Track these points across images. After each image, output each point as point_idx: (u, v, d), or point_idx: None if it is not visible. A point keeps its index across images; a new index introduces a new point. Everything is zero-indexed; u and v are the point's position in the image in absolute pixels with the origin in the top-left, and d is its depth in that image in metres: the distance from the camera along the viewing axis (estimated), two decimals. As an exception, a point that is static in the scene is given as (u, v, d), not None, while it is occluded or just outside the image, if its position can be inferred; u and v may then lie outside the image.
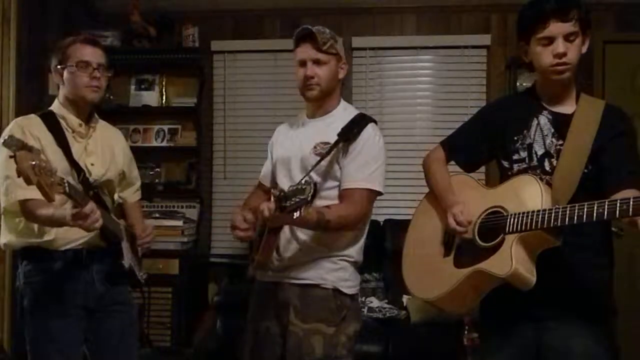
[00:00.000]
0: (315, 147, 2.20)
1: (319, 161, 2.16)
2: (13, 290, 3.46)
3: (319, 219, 2.05)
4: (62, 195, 1.85)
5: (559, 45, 1.85)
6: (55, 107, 2.32)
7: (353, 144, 2.18)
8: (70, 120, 2.28)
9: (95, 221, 1.94)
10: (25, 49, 3.83)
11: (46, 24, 4.14)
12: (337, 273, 2.22)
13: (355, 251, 2.26)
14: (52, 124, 2.24)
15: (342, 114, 2.28)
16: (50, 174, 1.74)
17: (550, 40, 1.86)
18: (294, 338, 2.17)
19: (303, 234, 2.19)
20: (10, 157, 1.72)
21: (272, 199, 1.97)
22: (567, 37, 1.85)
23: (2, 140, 1.79)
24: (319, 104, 2.28)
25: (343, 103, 2.34)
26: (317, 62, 2.21)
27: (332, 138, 2.18)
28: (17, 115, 3.58)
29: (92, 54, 2.26)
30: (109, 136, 2.43)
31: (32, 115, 2.28)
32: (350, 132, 2.18)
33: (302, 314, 2.17)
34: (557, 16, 1.84)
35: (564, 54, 1.85)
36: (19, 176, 1.71)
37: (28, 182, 1.71)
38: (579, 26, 1.86)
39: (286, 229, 2.19)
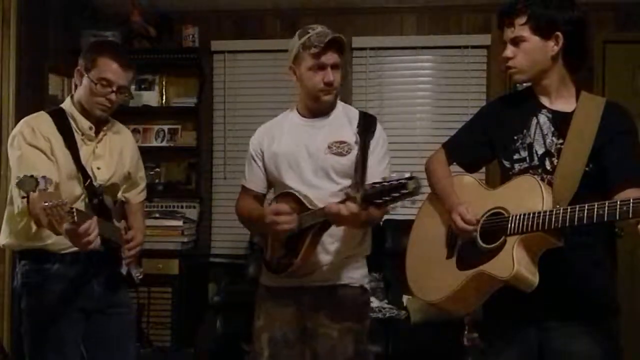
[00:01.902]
0: (330, 147, 2.19)
1: (364, 160, 2.15)
2: (13, 290, 3.47)
3: (367, 215, 2.01)
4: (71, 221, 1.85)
5: (506, 49, 1.93)
6: (67, 105, 2.29)
7: (372, 139, 2.21)
8: (80, 122, 2.25)
9: (87, 243, 1.91)
10: (25, 49, 3.83)
11: (46, 24, 4.14)
12: (361, 270, 2.28)
13: (369, 244, 2.32)
14: (63, 123, 2.22)
15: (343, 112, 2.29)
16: (60, 208, 1.74)
17: (506, 45, 1.95)
18: (327, 340, 2.17)
19: (330, 236, 2.18)
20: (23, 197, 1.74)
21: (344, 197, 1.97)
22: (513, 42, 1.91)
23: (17, 181, 1.78)
24: (326, 106, 2.26)
25: (338, 101, 2.33)
26: (335, 67, 2.19)
27: (347, 136, 2.20)
28: (17, 115, 3.60)
29: (118, 74, 2.20)
30: (119, 138, 2.40)
31: (42, 113, 2.26)
32: (368, 129, 2.22)
33: (335, 315, 2.18)
34: (503, 22, 1.94)
35: (507, 59, 1.93)
36: (30, 215, 1.74)
37: (38, 224, 1.74)
38: (531, 29, 1.88)
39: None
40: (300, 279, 2.20)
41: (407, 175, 1.77)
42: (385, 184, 1.80)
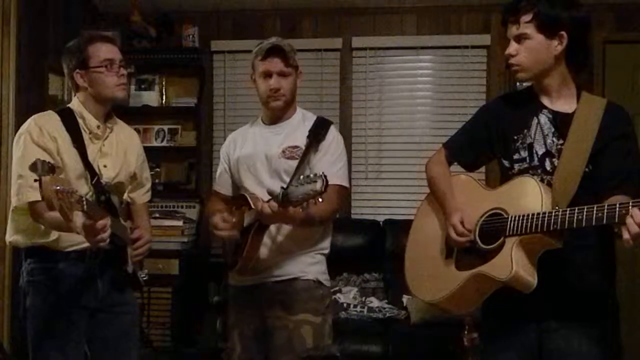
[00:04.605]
0: (284, 152, 2.31)
1: (301, 161, 2.27)
2: (13, 290, 3.47)
3: (306, 215, 2.13)
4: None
5: (509, 46, 1.93)
6: (75, 105, 2.29)
7: (322, 143, 2.32)
8: (88, 120, 2.26)
9: (102, 240, 1.97)
10: (25, 49, 3.83)
11: (46, 24, 4.14)
12: (316, 267, 2.34)
13: (328, 244, 2.41)
14: (70, 123, 2.23)
15: (302, 118, 2.41)
16: (70, 195, 1.76)
17: (509, 42, 1.94)
18: (283, 332, 2.24)
19: (280, 234, 2.29)
20: (35, 180, 1.74)
21: (261, 197, 2.11)
22: (517, 39, 1.91)
23: (30, 165, 1.79)
24: (282, 112, 2.38)
25: (299, 109, 2.45)
26: (282, 74, 2.30)
27: (300, 141, 2.31)
28: (17, 115, 3.60)
29: (112, 52, 2.26)
30: (125, 137, 2.41)
31: (50, 112, 2.27)
32: (319, 133, 2.32)
33: (289, 307, 2.26)
34: (508, 19, 1.93)
35: (510, 55, 1.93)
36: (42, 200, 1.74)
37: (50, 207, 1.74)
38: (536, 27, 1.87)
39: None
40: (258, 277, 2.30)
41: (315, 174, 1.94)
42: (300, 184, 1.96)
